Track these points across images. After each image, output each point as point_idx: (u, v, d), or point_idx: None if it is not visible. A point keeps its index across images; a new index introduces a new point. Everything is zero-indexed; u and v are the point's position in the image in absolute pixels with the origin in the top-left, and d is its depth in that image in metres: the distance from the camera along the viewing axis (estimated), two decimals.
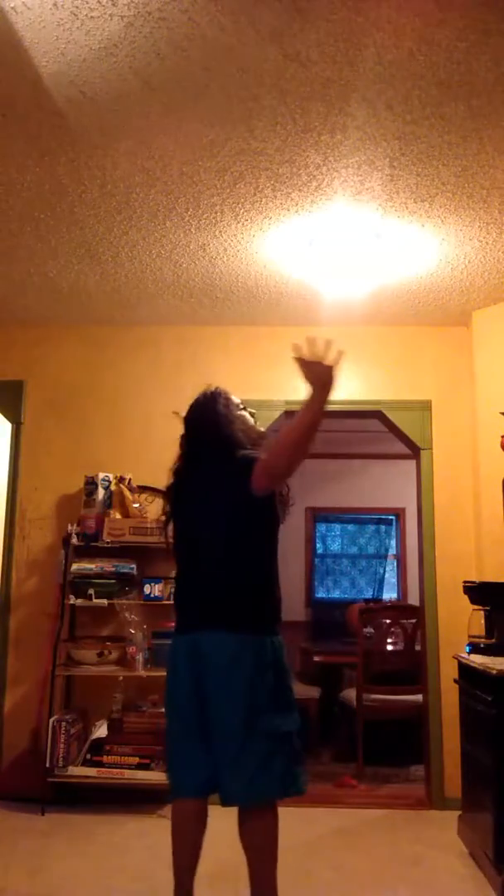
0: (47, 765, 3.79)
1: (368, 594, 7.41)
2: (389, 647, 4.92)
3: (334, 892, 2.97)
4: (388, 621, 4.95)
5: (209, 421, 2.57)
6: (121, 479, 4.20)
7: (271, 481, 2.42)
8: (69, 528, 4.10)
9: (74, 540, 4.05)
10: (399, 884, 3.05)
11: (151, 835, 3.54)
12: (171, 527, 2.63)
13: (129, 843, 3.43)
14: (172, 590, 3.26)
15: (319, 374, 2.33)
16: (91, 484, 4.17)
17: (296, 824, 3.66)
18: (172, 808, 2.45)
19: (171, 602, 4.04)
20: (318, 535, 7.53)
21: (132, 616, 4.02)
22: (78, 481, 4.25)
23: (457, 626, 3.87)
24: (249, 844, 2.37)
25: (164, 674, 3.89)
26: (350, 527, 7.66)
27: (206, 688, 2.38)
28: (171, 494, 2.67)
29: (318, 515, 7.44)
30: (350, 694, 5.01)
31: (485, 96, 2.40)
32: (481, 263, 3.58)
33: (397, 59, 2.23)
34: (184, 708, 2.43)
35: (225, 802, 2.36)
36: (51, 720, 3.83)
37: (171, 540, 2.62)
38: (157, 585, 4.04)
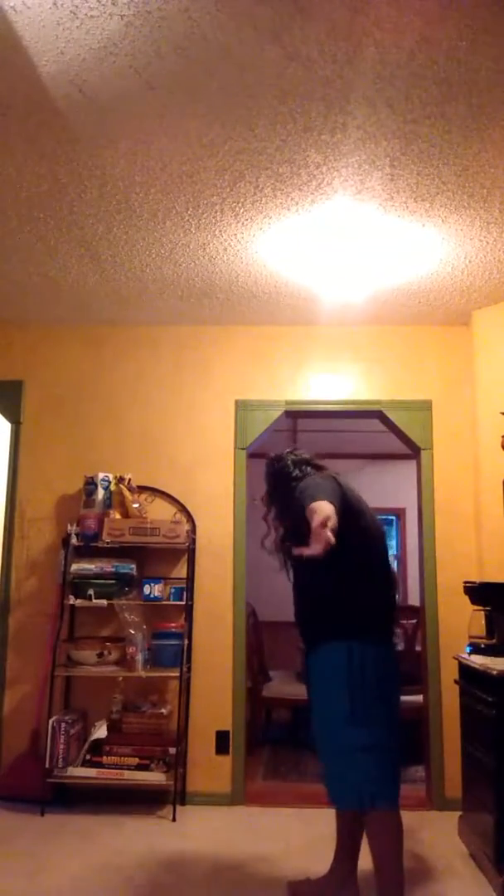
0: (47, 765, 3.79)
1: None
2: None
3: None
4: None
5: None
6: (121, 479, 4.19)
7: None
8: (69, 528, 4.09)
9: (74, 540, 4.04)
10: None
11: (151, 835, 3.54)
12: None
13: (129, 843, 3.43)
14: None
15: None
16: (91, 484, 4.16)
17: (296, 824, 3.67)
18: (395, 816, 2.55)
19: (175, 603, 4.09)
20: None
21: (132, 616, 4.01)
22: (78, 481, 4.24)
23: (457, 626, 3.87)
24: None
25: (163, 674, 3.97)
26: None
27: None
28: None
29: None
30: None
31: (486, 95, 2.40)
32: (482, 263, 3.58)
33: (398, 58, 2.23)
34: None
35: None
36: (50, 721, 3.82)
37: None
38: (156, 585, 4.04)
